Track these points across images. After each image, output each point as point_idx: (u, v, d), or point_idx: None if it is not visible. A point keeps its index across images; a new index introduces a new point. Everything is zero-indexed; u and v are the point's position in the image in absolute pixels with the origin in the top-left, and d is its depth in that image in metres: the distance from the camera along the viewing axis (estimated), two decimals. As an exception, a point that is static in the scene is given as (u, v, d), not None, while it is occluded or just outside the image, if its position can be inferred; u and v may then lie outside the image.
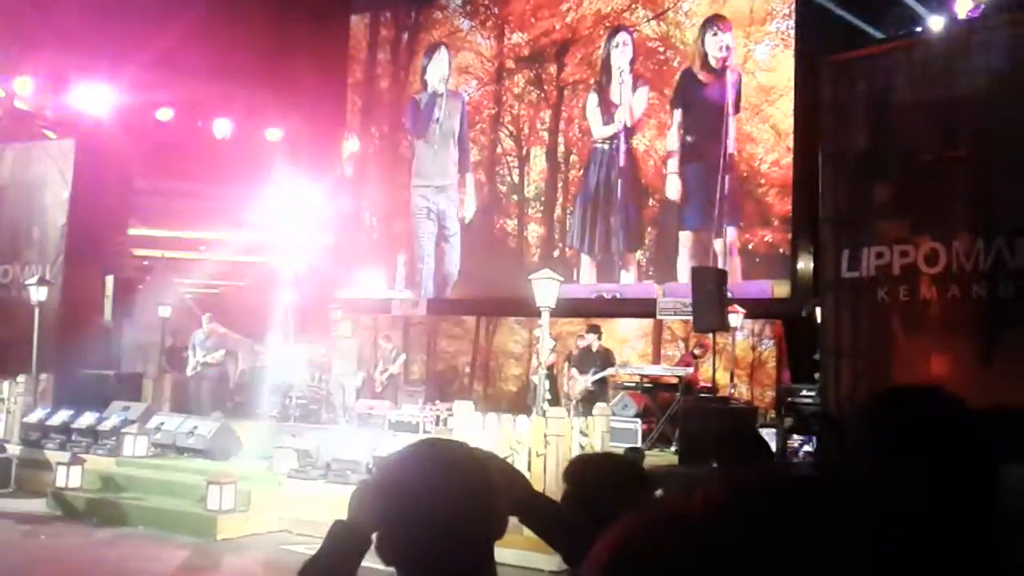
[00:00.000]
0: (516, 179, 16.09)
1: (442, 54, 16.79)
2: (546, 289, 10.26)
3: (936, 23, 10.86)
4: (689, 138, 14.06)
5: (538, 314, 10.62)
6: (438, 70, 16.76)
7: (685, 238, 14.02)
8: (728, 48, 13.76)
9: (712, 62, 13.93)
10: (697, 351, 12.79)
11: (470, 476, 1.47)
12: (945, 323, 8.63)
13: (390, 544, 1.48)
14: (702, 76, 14.03)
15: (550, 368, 11.87)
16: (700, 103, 14.00)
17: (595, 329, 13.14)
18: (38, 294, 12.52)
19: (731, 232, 13.52)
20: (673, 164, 14.22)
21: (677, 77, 14.34)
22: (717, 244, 13.58)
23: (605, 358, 12.79)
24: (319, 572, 1.55)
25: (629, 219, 14.52)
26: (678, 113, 14.26)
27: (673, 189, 14.16)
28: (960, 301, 8.57)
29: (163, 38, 14.73)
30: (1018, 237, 8.31)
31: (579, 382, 12.60)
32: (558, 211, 15.52)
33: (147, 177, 15.91)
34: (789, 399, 11.54)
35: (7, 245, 14.47)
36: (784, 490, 0.74)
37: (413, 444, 1.57)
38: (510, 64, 16.33)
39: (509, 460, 7.74)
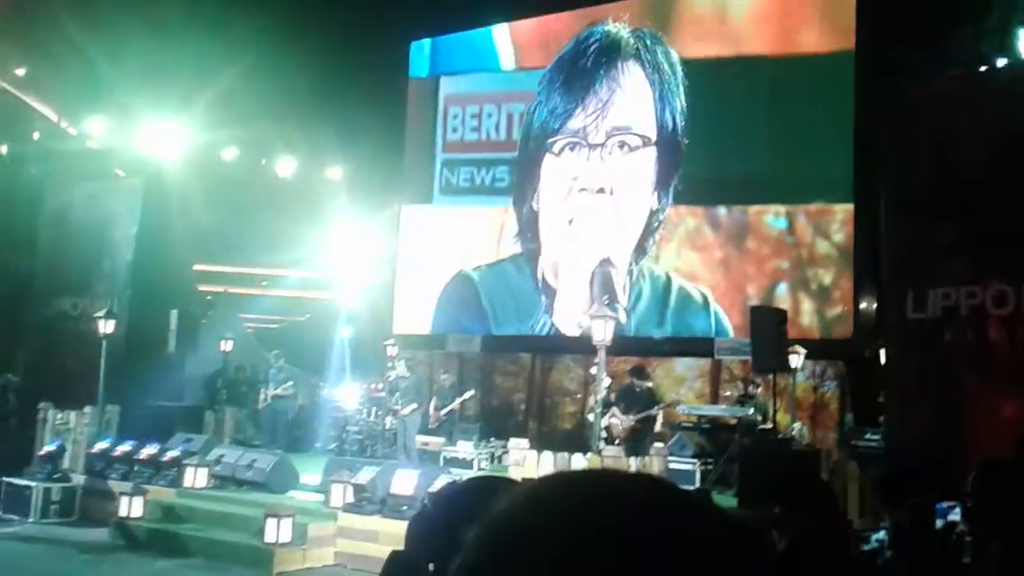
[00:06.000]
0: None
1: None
2: (603, 327, 10.23)
3: (999, 62, 10.68)
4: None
5: (593, 352, 10.59)
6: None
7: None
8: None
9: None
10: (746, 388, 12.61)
11: None
12: (1016, 366, 8.37)
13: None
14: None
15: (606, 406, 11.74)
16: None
17: (637, 371, 12.84)
18: (106, 327, 12.85)
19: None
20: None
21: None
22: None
23: (649, 398, 12.53)
24: None
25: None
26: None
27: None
28: (1031, 344, 8.32)
29: (227, 79, 15.18)
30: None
31: (620, 422, 12.23)
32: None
33: (212, 214, 16.32)
34: (852, 442, 11.27)
35: (79, 278, 14.90)
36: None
37: (467, 479, 1.59)
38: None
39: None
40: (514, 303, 15.07)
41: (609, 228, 13.96)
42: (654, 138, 13.89)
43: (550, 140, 14.52)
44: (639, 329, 13.84)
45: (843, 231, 12.62)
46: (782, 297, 12.82)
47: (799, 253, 12.95)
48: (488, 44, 16.32)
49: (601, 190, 13.92)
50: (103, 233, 14.97)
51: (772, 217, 13.08)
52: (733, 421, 12.35)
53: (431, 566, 1.54)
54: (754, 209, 13.22)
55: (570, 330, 14.17)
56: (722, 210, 13.49)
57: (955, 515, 5.71)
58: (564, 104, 14.52)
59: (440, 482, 9.61)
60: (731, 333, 13.16)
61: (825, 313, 12.63)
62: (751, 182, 13.21)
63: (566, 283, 14.35)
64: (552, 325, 14.38)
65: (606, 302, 12.87)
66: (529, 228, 15.04)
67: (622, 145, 13.95)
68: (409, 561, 1.61)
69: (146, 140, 16.47)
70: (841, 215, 12.66)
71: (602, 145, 14.07)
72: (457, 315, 15.75)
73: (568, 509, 0.63)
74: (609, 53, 14.35)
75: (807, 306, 12.69)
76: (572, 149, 14.30)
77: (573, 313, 14.11)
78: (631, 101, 14.11)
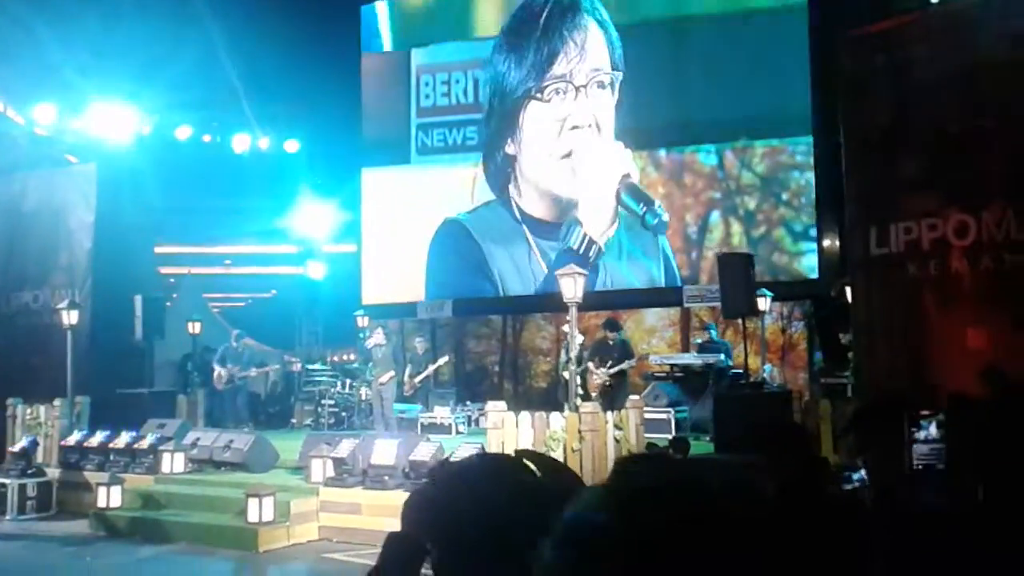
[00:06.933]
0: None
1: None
2: (572, 284, 10.23)
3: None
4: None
5: (563, 309, 10.60)
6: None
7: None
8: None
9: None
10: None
11: (521, 486, 1.45)
12: (979, 295, 8.50)
13: (447, 557, 1.47)
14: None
15: (580, 362, 11.79)
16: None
17: (610, 324, 12.94)
18: (69, 318, 12.62)
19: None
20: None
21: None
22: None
23: (623, 350, 12.60)
24: None
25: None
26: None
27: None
28: (993, 272, 8.44)
29: (178, 58, 14.84)
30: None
31: (596, 376, 12.32)
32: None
33: (169, 195, 16.04)
34: (823, 380, 11.44)
35: (36, 271, 14.60)
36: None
37: (466, 457, 1.56)
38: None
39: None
40: (502, 240, 15.56)
41: (604, 157, 14.71)
42: (616, 79, 14.97)
43: (535, 89, 15.48)
44: (606, 262, 14.28)
45: (763, 163, 13.98)
46: (716, 223, 14.32)
47: (728, 184, 14.25)
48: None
49: (590, 125, 15.03)
50: (59, 222, 14.64)
51: (704, 155, 14.48)
52: (705, 368, 12.47)
53: (428, 546, 1.52)
54: (689, 149, 14.56)
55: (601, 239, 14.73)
56: (662, 152, 14.71)
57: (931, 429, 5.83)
58: (543, 56, 15.45)
59: (420, 450, 9.63)
60: (675, 263, 14.03)
61: (752, 233, 13.99)
62: (688, 126, 14.35)
63: (585, 202, 14.78)
64: (586, 235, 14.71)
65: (643, 210, 13.85)
66: (504, 172, 15.71)
67: (600, 84, 15.04)
68: (410, 541, 1.58)
69: (97, 124, 16.10)
70: (761, 150, 13.94)
71: (585, 86, 15.07)
72: (451, 258, 15.98)
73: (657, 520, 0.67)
74: (572, 8, 15.36)
75: (736, 228, 14.13)
76: (559, 92, 15.30)
77: (600, 227, 14.67)
78: (596, 46, 15.15)
